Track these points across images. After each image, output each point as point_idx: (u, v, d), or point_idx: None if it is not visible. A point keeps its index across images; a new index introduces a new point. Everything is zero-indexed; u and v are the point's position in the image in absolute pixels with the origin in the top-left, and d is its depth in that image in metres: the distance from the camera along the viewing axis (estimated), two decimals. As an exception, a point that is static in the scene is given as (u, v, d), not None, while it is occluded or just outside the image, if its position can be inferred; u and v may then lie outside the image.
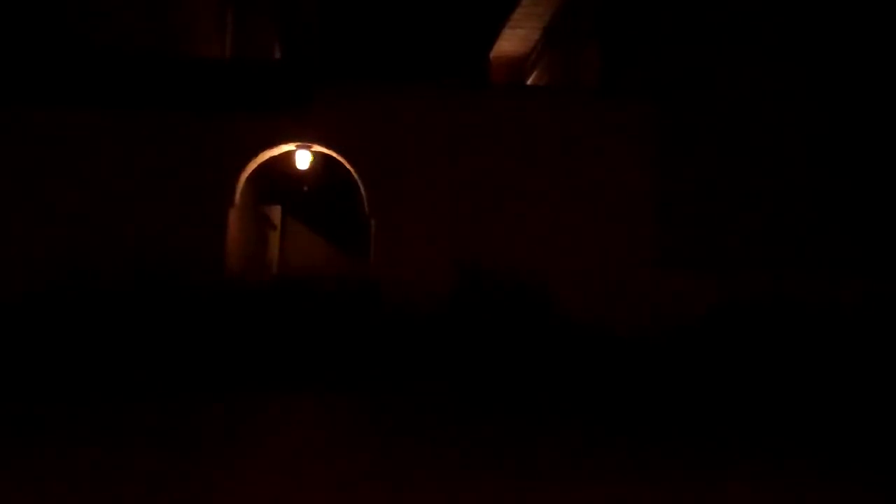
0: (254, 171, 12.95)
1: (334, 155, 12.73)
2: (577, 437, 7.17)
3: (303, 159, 13.47)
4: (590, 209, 12.54)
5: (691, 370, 10.53)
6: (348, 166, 12.65)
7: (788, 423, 8.21)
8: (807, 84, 13.13)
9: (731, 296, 11.95)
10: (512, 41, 19.14)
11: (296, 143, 12.71)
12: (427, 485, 5.26)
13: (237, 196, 12.37)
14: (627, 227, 12.55)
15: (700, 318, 11.72)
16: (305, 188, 20.60)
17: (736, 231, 12.68)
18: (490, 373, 9.94)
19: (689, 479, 5.65)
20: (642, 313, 11.87)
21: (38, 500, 4.67)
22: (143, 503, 4.69)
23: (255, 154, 12.47)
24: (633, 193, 12.62)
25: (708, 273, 12.30)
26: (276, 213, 20.21)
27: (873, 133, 13.10)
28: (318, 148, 12.83)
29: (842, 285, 12.13)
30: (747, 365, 10.52)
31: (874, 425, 8.12)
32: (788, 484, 5.58)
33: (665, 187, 12.66)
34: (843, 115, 13.10)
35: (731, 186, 12.78)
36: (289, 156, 13.37)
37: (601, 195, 12.57)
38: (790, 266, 12.49)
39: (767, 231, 12.72)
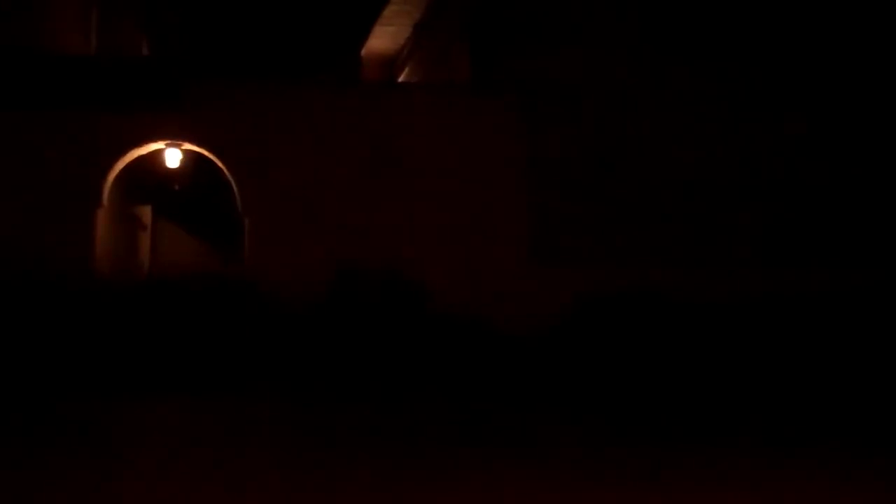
0: (122, 170, 12.69)
1: (205, 153, 12.59)
2: (444, 429, 7.37)
3: (172, 158, 13.28)
4: (463, 205, 12.70)
5: (558, 361, 10.88)
6: (220, 164, 12.53)
7: (650, 414, 8.59)
8: (675, 75, 13.42)
9: (599, 290, 12.25)
10: (383, 38, 19.20)
11: (165, 142, 12.52)
12: (292, 484, 5.35)
13: (105, 196, 12.10)
14: (501, 222, 12.76)
15: (569, 312, 12.01)
16: (177, 187, 20.22)
17: (607, 227, 12.96)
18: (363, 368, 10.05)
19: (554, 468, 5.89)
20: (516, 307, 12.08)
21: None
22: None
23: (123, 153, 12.22)
24: (506, 190, 12.83)
25: (578, 268, 12.58)
26: (146, 212, 19.77)
27: (749, 122, 13.51)
28: (188, 146, 12.67)
29: (722, 283, 12.47)
30: (613, 356, 10.91)
31: (730, 418, 8.56)
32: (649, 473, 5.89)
33: (540, 183, 12.90)
34: (712, 108, 13.46)
35: (608, 182, 13.04)
36: (158, 154, 13.16)
37: (474, 191, 12.74)
38: (662, 261, 12.84)
39: (643, 226, 13.01)
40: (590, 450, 6.42)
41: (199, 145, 12.49)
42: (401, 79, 19.50)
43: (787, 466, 5.88)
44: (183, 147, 12.78)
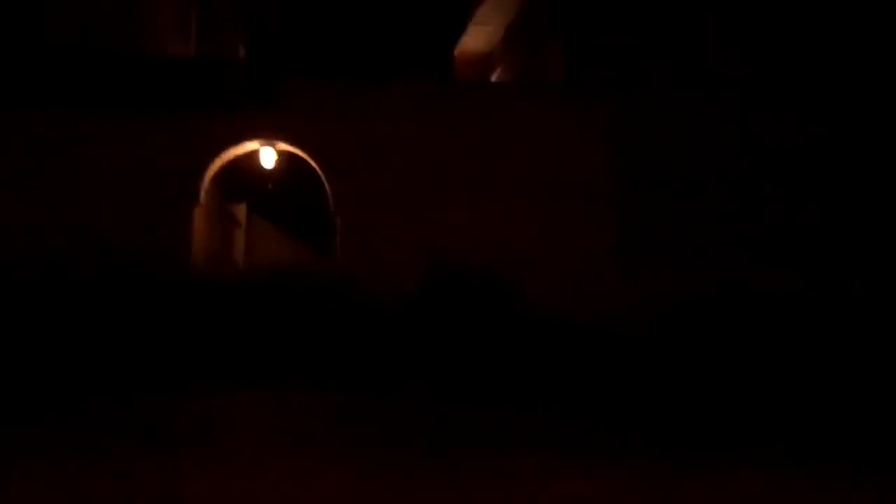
0: (219, 169, 12.93)
1: (299, 153, 12.74)
2: (557, 428, 7.28)
3: (267, 157, 13.46)
4: (556, 203, 12.61)
5: (657, 362, 10.67)
6: (313, 163, 12.66)
7: (756, 416, 8.36)
8: (775, 76, 13.20)
9: (696, 290, 12.04)
10: (476, 38, 19.19)
11: (260, 141, 12.71)
12: (395, 475, 5.33)
13: (202, 194, 12.36)
14: (593, 221, 12.63)
15: (664, 312, 11.82)
16: (270, 185, 20.51)
17: (705, 226, 12.77)
18: (460, 366, 10.01)
19: (670, 470, 5.76)
20: (607, 306, 11.95)
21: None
22: (115, 499, 4.72)
23: (220, 152, 12.46)
24: (598, 188, 12.69)
25: (675, 267, 12.39)
26: (241, 210, 20.13)
27: (849, 125, 13.20)
28: (282, 145, 12.83)
29: (816, 283, 12.18)
30: (712, 358, 10.67)
31: (838, 418, 8.29)
32: (766, 476, 5.71)
33: (632, 181, 12.75)
34: (813, 106, 13.19)
35: (700, 180, 12.85)
36: (254, 154, 13.36)
37: (567, 189, 12.64)
38: (762, 262, 12.57)
39: (733, 225, 12.81)
40: (700, 458, 6.24)
41: (293, 145, 12.65)
42: (494, 78, 19.44)
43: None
44: (277, 147, 12.95)
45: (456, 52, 20.24)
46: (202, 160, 12.29)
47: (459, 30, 19.15)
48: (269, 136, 12.57)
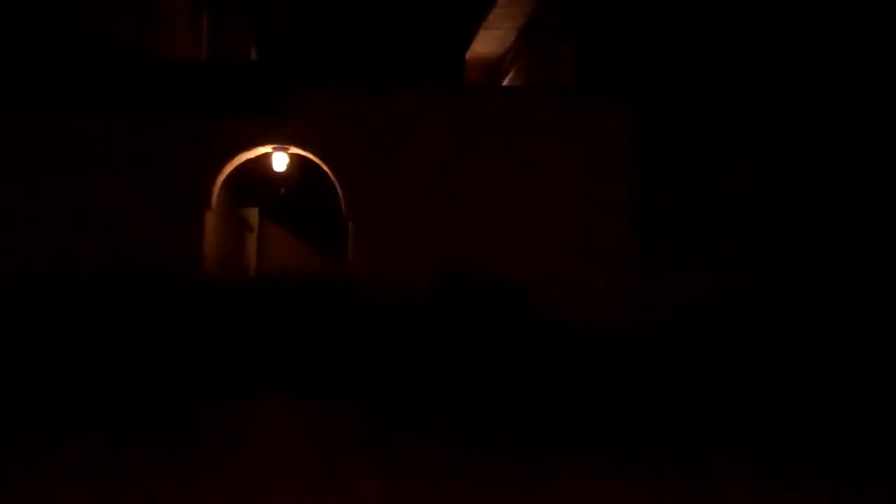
0: (230, 173, 12.94)
1: (311, 157, 12.74)
2: (569, 435, 7.24)
3: (279, 161, 13.47)
4: (567, 209, 12.59)
5: (670, 368, 10.62)
6: (325, 168, 12.66)
7: (763, 422, 8.30)
8: (788, 81, 13.17)
9: (707, 296, 12.01)
10: (488, 42, 19.20)
11: (272, 146, 12.71)
12: (418, 488, 5.29)
13: (214, 199, 12.36)
14: (605, 226, 12.59)
15: (676, 318, 11.78)
16: (283, 190, 20.57)
17: (715, 231, 12.74)
18: (473, 373, 9.96)
19: (677, 475, 5.71)
20: (621, 313, 11.93)
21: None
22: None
23: (232, 156, 12.46)
24: (611, 193, 12.67)
25: (685, 273, 12.36)
26: (253, 215, 20.18)
27: (860, 131, 13.13)
28: (294, 150, 12.83)
29: (823, 288, 12.15)
30: (721, 364, 10.61)
31: (851, 424, 8.22)
32: (779, 483, 5.66)
33: (643, 186, 12.72)
34: (828, 111, 13.14)
35: (710, 186, 12.83)
36: (266, 158, 13.37)
37: (579, 195, 12.61)
38: (771, 267, 12.53)
39: (747, 231, 12.78)
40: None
41: (305, 149, 12.64)
42: (505, 82, 19.44)
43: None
44: (290, 151, 12.95)
45: (467, 56, 20.25)
46: (213, 164, 12.29)
47: (471, 34, 19.16)
48: (281, 140, 12.57)
